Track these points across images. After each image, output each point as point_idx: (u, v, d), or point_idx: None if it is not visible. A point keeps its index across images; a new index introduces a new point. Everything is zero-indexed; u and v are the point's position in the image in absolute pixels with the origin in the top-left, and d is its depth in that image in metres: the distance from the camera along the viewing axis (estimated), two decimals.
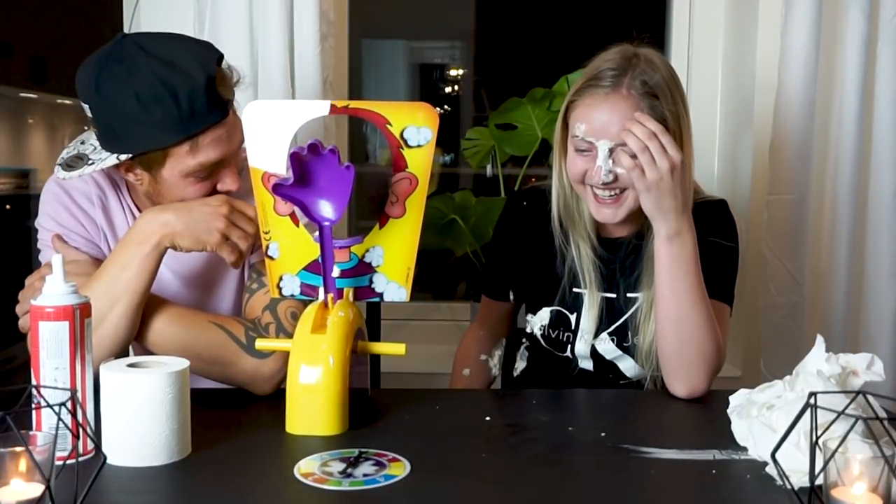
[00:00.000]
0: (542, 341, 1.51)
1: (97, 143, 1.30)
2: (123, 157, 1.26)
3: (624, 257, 1.45)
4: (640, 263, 1.42)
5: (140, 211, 1.42)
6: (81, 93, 1.26)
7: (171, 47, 1.26)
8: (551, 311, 1.48)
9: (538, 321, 1.50)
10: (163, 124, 1.22)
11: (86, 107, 1.26)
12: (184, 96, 1.22)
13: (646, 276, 1.41)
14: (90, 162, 1.28)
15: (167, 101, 1.21)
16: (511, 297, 1.58)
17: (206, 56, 1.27)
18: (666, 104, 1.32)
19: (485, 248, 1.65)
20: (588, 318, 1.45)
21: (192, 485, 0.97)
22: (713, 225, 1.40)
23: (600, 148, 1.32)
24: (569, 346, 1.48)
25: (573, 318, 1.46)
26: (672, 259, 1.29)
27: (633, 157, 1.27)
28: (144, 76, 1.21)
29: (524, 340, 1.59)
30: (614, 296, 1.45)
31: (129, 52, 1.23)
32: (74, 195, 1.41)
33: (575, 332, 1.47)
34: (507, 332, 1.68)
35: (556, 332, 1.49)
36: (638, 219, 1.39)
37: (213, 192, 1.32)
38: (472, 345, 1.66)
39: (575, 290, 1.46)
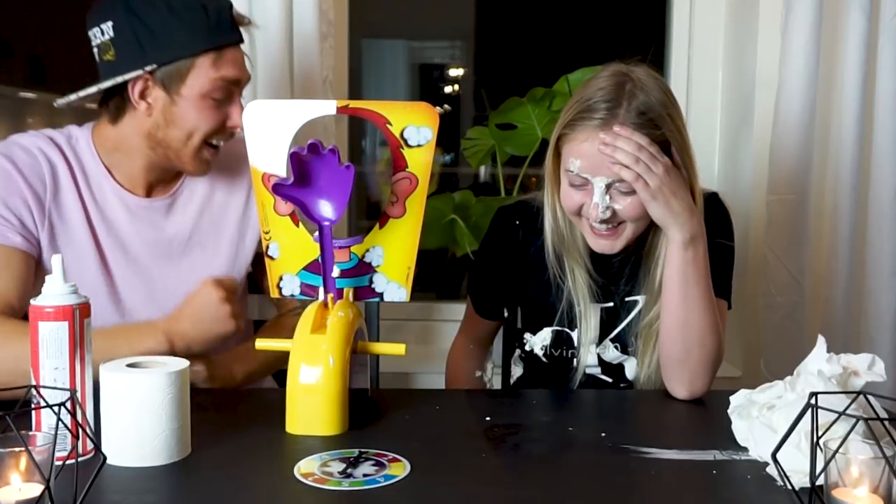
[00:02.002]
0: (543, 360, 1.47)
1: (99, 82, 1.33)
2: (149, 68, 1.29)
3: (619, 267, 1.42)
4: (638, 269, 1.41)
5: (105, 169, 1.39)
6: (103, 13, 1.31)
7: None
8: (552, 332, 1.45)
9: (539, 341, 1.46)
10: (192, 33, 1.29)
11: (104, 27, 1.30)
12: (212, 9, 1.31)
13: (644, 278, 1.40)
14: (105, 82, 1.31)
15: (197, 10, 1.29)
16: (505, 314, 1.54)
17: None
18: (667, 130, 1.28)
19: (473, 263, 1.60)
20: (588, 331, 1.42)
21: (192, 485, 0.97)
22: (715, 224, 1.39)
23: (596, 185, 1.28)
24: (574, 360, 1.45)
25: (574, 334, 1.44)
26: (685, 265, 1.28)
27: (624, 166, 1.23)
28: None
29: (519, 350, 1.53)
30: (612, 304, 1.43)
31: None
32: (24, 171, 1.33)
33: (578, 347, 1.44)
34: (493, 341, 1.66)
35: (559, 350, 1.45)
36: (632, 243, 1.36)
37: (222, 127, 1.36)
38: (464, 361, 1.63)
39: (575, 308, 1.42)
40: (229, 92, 1.35)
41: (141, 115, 1.34)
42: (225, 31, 1.33)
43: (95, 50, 1.34)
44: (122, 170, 1.40)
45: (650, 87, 1.29)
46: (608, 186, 1.28)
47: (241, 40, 1.37)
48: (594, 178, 1.28)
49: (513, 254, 1.48)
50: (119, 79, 1.30)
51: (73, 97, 1.34)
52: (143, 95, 1.33)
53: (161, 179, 1.43)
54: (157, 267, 1.41)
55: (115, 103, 1.36)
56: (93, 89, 1.32)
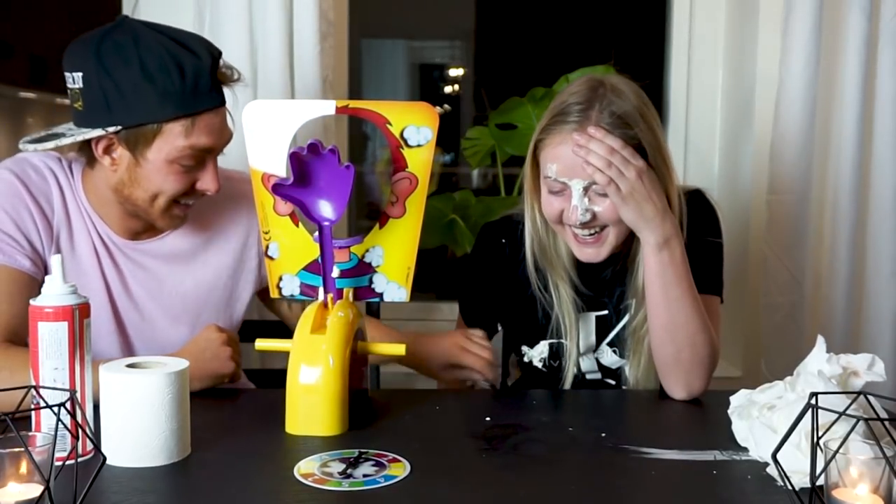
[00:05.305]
0: (543, 370, 1.46)
1: (72, 125, 1.27)
2: (112, 129, 1.22)
3: (610, 279, 1.42)
4: (627, 276, 1.40)
5: (93, 210, 1.33)
6: (75, 61, 1.23)
7: (177, 30, 1.27)
8: (549, 345, 1.44)
9: (537, 354, 1.46)
10: (163, 97, 1.21)
11: (75, 76, 1.23)
12: (190, 72, 1.22)
13: (633, 283, 1.39)
14: (67, 135, 1.24)
15: (173, 73, 1.21)
16: (498, 327, 1.53)
17: (210, 44, 1.28)
18: (640, 132, 1.28)
19: (462, 280, 1.59)
20: (577, 343, 1.42)
21: (192, 485, 0.97)
22: (699, 221, 1.39)
23: (574, 188, 1.28)
24: (574, 369, 1.44)
25: (572, 345, 1.43)
26: (663, 267, 1.28)
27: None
28: (152, 47, 1.21)
29: (516, 357, 1.52)
30: (606, 312, 1.43)
31: (135, 27, 1.25)
32: (33, 191, 1.30)
33: (566, 359, 1.43)
34: None
35: (558, 361, 1.45)
36: (618, 249, 1.36)
37: (191, 189, 1.30)
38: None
39: (561, 323, 1.42)
40: (200, 159, 1.27)
41: (107, 168, 1.28)
42: (201, 97, 1.23)
43: (69, 91, 1.26)
44: (104, 212, 1.34)
45: (623, 90, 1.31)
46: (586, 189, 1.28)
47: (222, 103, 1.28)
48: (571, 181, 1.28)
49: (500, 271, 1.47)
50: (79, 137, 1.23)
51: (31, 147, 1.26)
52: (107, 151, 1.26)
53: (144, 229, 1.37)
54: (153, 308, 1.38)
55: (85, 152, 1.30)
56: (50, 144, 1.24)
